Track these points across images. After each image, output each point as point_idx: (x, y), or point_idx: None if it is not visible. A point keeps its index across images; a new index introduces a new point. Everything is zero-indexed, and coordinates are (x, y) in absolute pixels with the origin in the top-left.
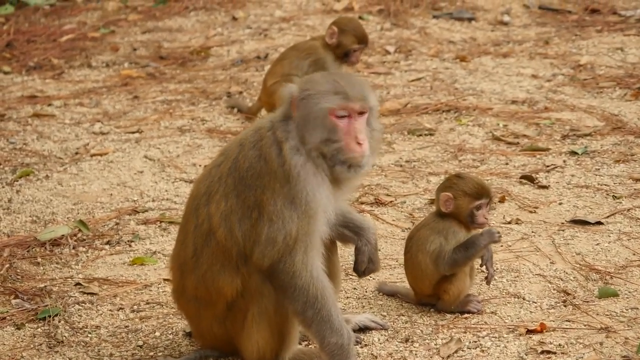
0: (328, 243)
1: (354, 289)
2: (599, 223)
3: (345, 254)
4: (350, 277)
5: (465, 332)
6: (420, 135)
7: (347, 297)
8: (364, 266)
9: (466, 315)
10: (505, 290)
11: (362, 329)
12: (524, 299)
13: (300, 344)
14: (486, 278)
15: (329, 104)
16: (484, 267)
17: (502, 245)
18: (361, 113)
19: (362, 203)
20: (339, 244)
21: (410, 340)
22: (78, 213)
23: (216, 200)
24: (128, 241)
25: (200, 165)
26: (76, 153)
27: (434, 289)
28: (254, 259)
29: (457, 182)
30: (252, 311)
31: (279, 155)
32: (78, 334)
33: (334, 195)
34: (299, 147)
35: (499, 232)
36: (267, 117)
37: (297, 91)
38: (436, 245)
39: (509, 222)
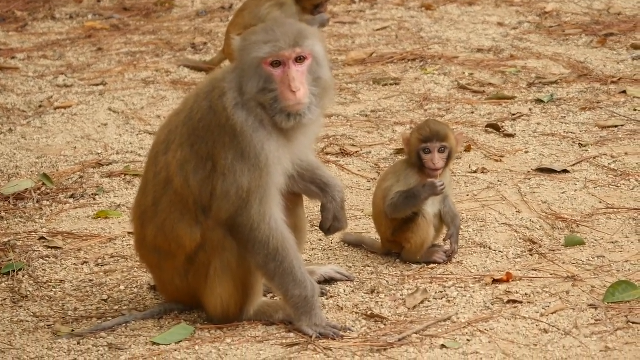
0: (292, 196)
1: (320, 240)
2: (565, 171)
3: (312, 205)
4: (317, 228)
5: (431, 283)
6: (386, 84)
7: (313, 249)
8: (329, 224)
9: (432, 265)
10: (471, 240)
11: (328, 281)
12: (490, 248)
13: (265, 296)
14: (446, 252)
15: (260, 53)
16: (448, 242)
17: (468, 195)
18: (298, 60)
19: (327, 154)
20: (305, 198)
21: (376, 292)
22: (42, 167)
23: (173, 149)
24: (92, 194)
25: (164, 118)
26: (40, 106)
27: (395, 235)
28: (213, 212)
29: (418, 125)
30: (214, 265)
31: (225, 109)
32: (42, 288)
33: (288, 146)
34: (238, 99)
35: (442, 185)
36: (224, 67)
37: (238, 43)
38: (388, 184)
39: (475, 172)
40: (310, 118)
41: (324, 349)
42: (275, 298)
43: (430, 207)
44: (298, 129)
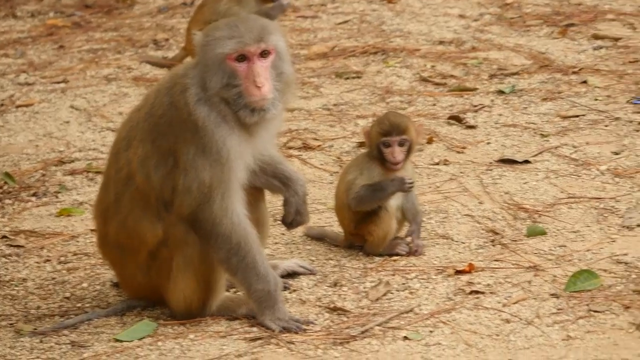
0: (254, 190)
1: (282, 234)
2: (526, 162)
3: (275, 199)
4: (279, 222)
5: (393, 275)
6: (348, 78)
7: (276, 243)
8: (291, 218)
9: (394, 257)
10: (433, 232)
11: (291, 275)
12: (452, 239)
13: (227, 291)
14: (410, 249)
15: (225, 48)
16: (410, 239)
17: (430, 187)
18: (263, 56)
19: (289, 148)
20: (267, 192)
21: (338, 284)
22: (4, 165)
23: (134, 146)
24: (55, 192)
25: (126, 114)
26: (1, 104)
27: (358, 228)
28: (175, 208)
29: (378, 117)
30: (176, 260)
31: (186, 105)
32: (5, 287)
33: (250, 141)
34: (201, 95)
35: (410, 182)
36: (185, 63)
37: (200, 38)
38: (351, 177)
39: (437, 163)
40: (274, 113)
41: (287, 342)
42: (238, 293)
43: (393, 200)
44: (260, 123)
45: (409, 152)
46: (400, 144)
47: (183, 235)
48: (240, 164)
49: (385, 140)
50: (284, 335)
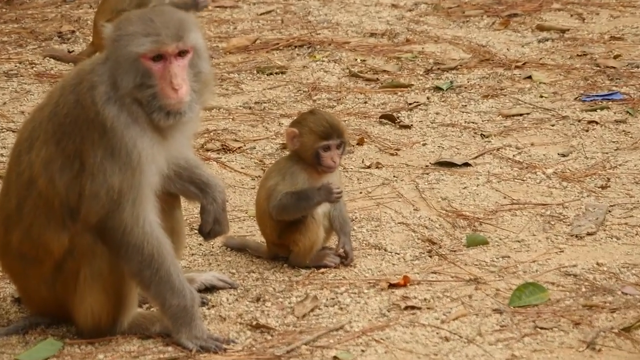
0: (168, 197)
1: (200, 244)
2: (466, 164)
3: (192, 207)
4: (196, 232)
5: (322, 289)
6: (271, 73)
7: (192, 254)
8: (209, 227)
9: (322, 270)
10: (365, 242)
11: (209, 289)
12: (385, 250)
13: (140, 307)
14: (339, 256)
15: (139, 47)
16: (341, 250)
17: (361, 192)
18: (180, 55)
19: (207, 150)
20: (183, 199)
21: (262, 299)
22: None
23: (37, 147)
24: None
25: (28, 114)
26: None
27: (282, 238)
28: (82, 215)
29: (307, 118)
30: (83, 272)
31: (94, 104)
32: None
33: (163, 144)
34: (111, 94)
35: (338, 192)
36: (92, 58)
37: (110, 31)
38: (272, 182)
39: (369, 167)
40: (190, 116)
41: None
42: (152, 309)
43: (320, 207)
44: (176, 126)
45: (343, 153)
46: (339, 147)
47: (91, 245)
48: (153, 168)
49: (325, 145)
50: (202, 355)
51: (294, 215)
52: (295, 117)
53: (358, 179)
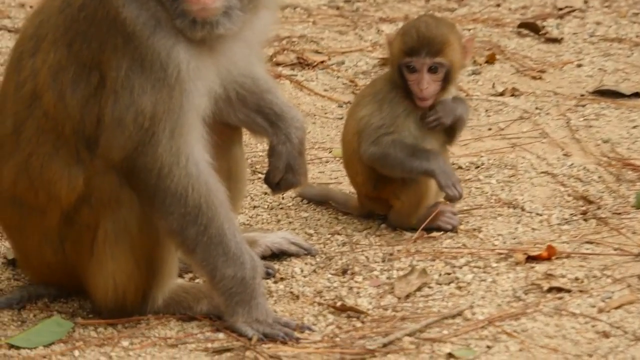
0: (225, 129)
1: (265, 194)
2: (636, 95)
3: (257, 144)
4: (261, 179)
5: (433, 260)
6: None
7: (255, 207)
8: (279, 175)
9: (435, 233)
10: (494, 197)
11: (277, 255)
12: (522, 209)
13: (181, 277)
14: (455, 214)
15: None
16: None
17: (490, 128)
18: None
19: (277, 64)
20: (246, 132)
21: (349, 272)
22: None
23: (44, 50)
24: None
25: (31, 6)
26: None
27: (378, 189)
28: (101, 148)
29: (406, 24)
30: (103, 228)
31: None
32: None
33: (212, 55)
34: None
35: (458, 193)
36: None
37: None
38: (365, 112)
39: (501, 94)
40: (230, 28)
41: (270, 357)
42: (197, 280)
43: (431, 144)
44: (213, 39)
45: (446, 81)
46: (432, 70)
47: (115, 190)
48: (199, 87)
49: (408, 62)
50: (266, 345)
51: (395, 174)
52: (400, 23)
53: (486, 111)
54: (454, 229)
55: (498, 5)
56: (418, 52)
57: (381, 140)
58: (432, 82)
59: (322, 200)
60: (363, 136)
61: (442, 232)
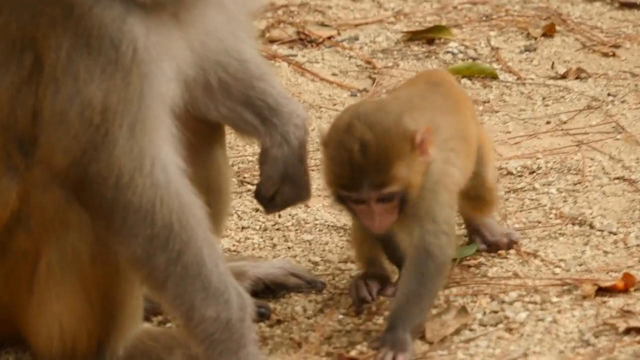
0: (203, 127)
1: (257, 211)
2: None
3: (245, 148)
4: (251, 192)
5: (475, 295)
6: None
7: (243, 228)
8: (273, 188)
9: (481, 256)
10: (554, 210)
11: (272, 290)
12: (591, 226)
13: (149, 320)
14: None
15: None
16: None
17: (548, 122)
18: None
19: (271, 41)
20: (230, 131)
21: (366, 312)
22: None
23: None
24: None
25: None
26: None
27: None
28: (41, 152)
29: (336, 140)
30: (46, 257)
31: None
32: None
33: (182, 27)
34: None
35: None
36: None
37: None
38: None
39: (563, 76)
40: None
41: None
42: (169, 324)
43: None
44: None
45: (405, 203)
46: (383, 200)
47: (59, 208)
48: (164, 69)
49: (349, 197)
50: None
51: None
52: None
53: (544, 98)
54: (506, 248)
55: None
56: (358, 187)
57: None
58: (386, 213)
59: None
60: None
61: (492, 254)
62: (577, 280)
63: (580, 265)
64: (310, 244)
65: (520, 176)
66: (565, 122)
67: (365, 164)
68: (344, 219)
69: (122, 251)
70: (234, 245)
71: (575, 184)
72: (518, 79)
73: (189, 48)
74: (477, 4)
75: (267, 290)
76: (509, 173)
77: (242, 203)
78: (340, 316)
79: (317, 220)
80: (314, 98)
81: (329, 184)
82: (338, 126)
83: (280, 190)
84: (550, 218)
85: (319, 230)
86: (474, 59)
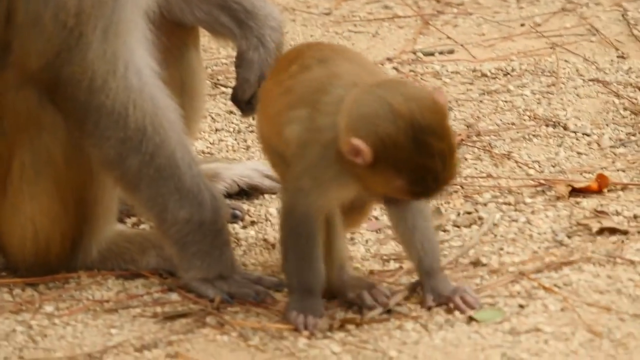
0: (177, 30)
1: (231, 113)
2: None
3: (221, 50)
4: (226, 95)
5: (449, 196)
6: None
7: (217, 130)
8: (250, 91)
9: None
10: (528, 112)
11: (246, 192)
12: (565, 128)
13: (122, 222)
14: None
15: None
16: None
17: (523, 24)
18: None
19: None
20: (204, 34)
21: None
22: None
23: None
24: None
25: None
26: None
27: None
28: (15, 56)
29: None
30: (20, 159)
31: None
32: None
33: None
34: None
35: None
36: None
37: None
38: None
39: None
40: None
41: (238, 325)
42: (143, 226)
43: None
44: None
45: None
46: None
47: (33, 110)
48: None
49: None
50: (232, 309)
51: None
52: None
53: (517, 0)
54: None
55: None
56: (436, 188)
57: None
58: None
59: None
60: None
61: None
62: (550, 181)
63: (554, 166)
64: None
65: (495, 78)
66: (539, 25)
67: (449, 164)
68: None
69: (95, 153)
70: (207, 147)
71: (549, 86)
72: None
73: None
74: None
75: (241, 192)
76: (483, 75)
77: (216, 105)
78: None
79: None
80: (288, 1)
81: (398, 191)
82: (404, 126)
83: (256, 92)
84: (524, 120)
85: None
86: None
